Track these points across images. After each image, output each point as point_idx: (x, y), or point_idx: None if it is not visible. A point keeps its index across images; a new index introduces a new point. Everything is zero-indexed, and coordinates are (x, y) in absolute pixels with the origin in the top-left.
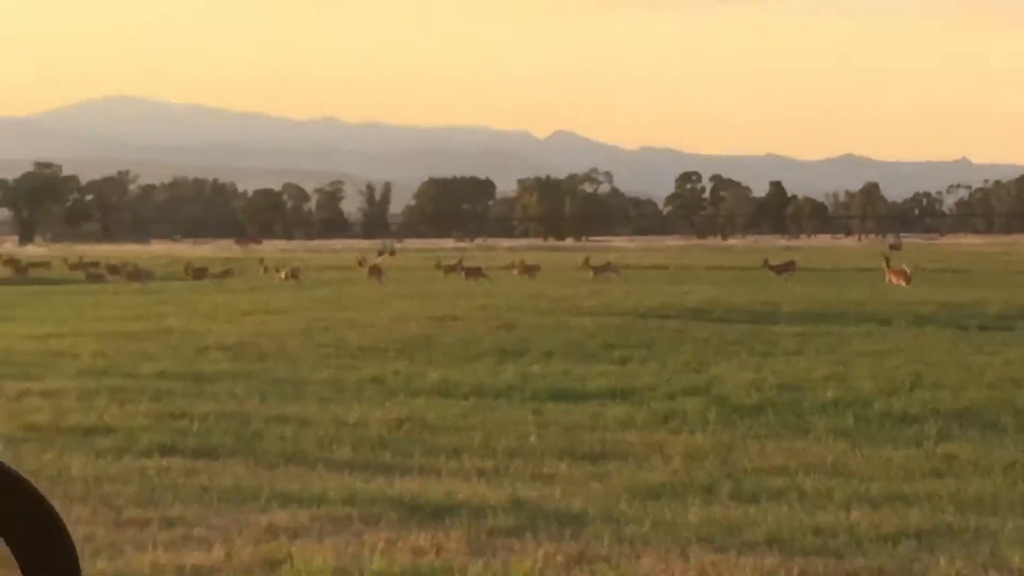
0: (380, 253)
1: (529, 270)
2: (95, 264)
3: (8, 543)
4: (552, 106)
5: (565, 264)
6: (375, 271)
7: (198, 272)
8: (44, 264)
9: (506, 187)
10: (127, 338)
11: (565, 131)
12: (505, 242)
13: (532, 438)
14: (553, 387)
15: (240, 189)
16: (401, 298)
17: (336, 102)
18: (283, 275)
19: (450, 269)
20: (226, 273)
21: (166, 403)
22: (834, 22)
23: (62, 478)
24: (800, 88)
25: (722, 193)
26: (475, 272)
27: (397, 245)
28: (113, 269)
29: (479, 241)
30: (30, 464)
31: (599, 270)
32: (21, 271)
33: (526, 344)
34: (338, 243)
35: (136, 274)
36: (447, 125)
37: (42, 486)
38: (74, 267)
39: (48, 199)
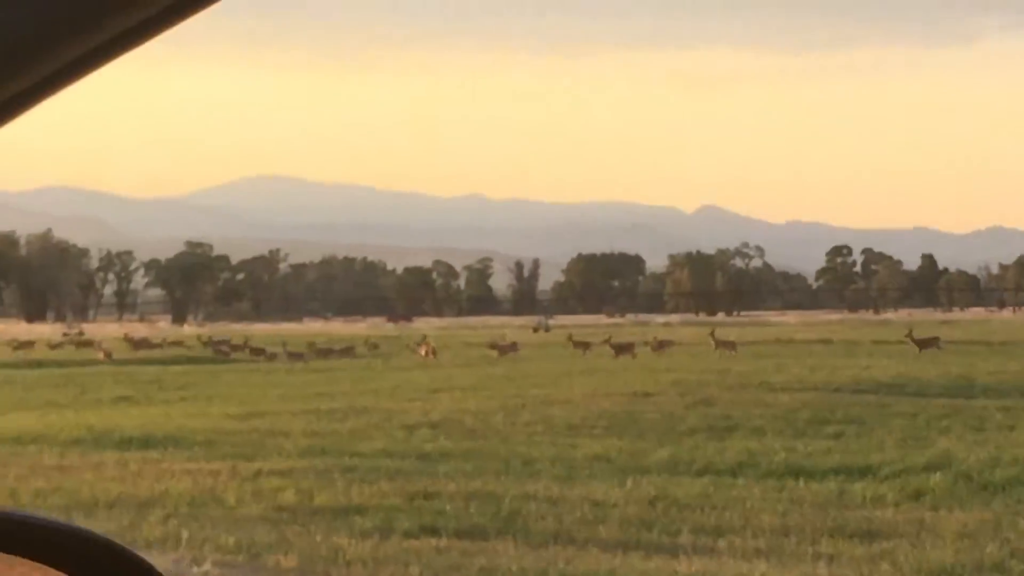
0: (535, 330)
1: (726, 345)
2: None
3: None
4: (699, 181)
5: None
6: (582, 345)
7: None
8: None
9: (653, 262)
10: (327, 416)
11: (712, 206)
12: (659, 318)
13: (794, 516)
14: (784, 464)
15: (388, 267)
16: (581, 374)
17: (482, 180)
18: (424, 352)
19: (586, 346)
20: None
21: (404, 482)
22: (980, 94)
23: (340, 560)
24: (946, 160)
25: (873, 266)
26: (625, 349)
27: (551, 322)
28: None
29: (631, 316)
30: (303, 546)
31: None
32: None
33: (732, 420)
34: (490, 319)
35: (298, 354)
36: (593, 201)
37: (319, 568)
38: (253, 350)
39: (200, 278)
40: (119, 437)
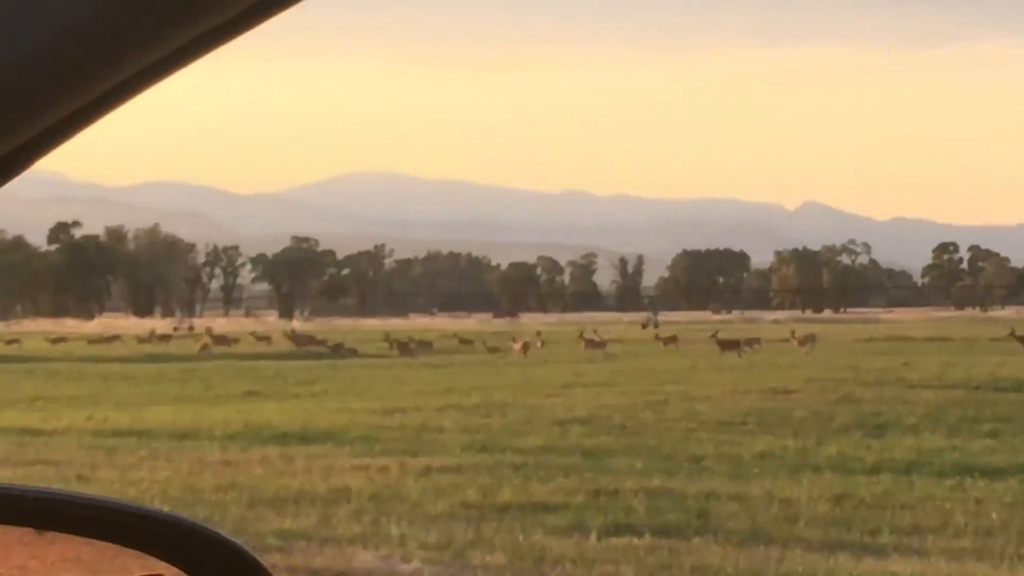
0: (644, 326)
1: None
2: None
3: None
4: (802, 177)
5: (848, 337)
6: (732, 345)
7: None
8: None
9: (757, 259)
10: (471, 412)
11: (815, 202)
12: (767, 315)
13: (987, 516)
14: (955, 463)
15: (492, 262)
16: (708, 371)
17: (584, 175)
18: (519, 347)
19: (669, 340)
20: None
21: (580, 480)
22: None
23: (547, 559)
24: None
25: (980, 263)
26: (732, 345)
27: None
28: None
29: (736, 313)
30: (503, 543)
31: None
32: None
33: (882, 418)
34: (595, 316)
35: (406, 347)
36: (694, 197)
37: (528, 567)
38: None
39: (306, 274)
40: (275, 432)
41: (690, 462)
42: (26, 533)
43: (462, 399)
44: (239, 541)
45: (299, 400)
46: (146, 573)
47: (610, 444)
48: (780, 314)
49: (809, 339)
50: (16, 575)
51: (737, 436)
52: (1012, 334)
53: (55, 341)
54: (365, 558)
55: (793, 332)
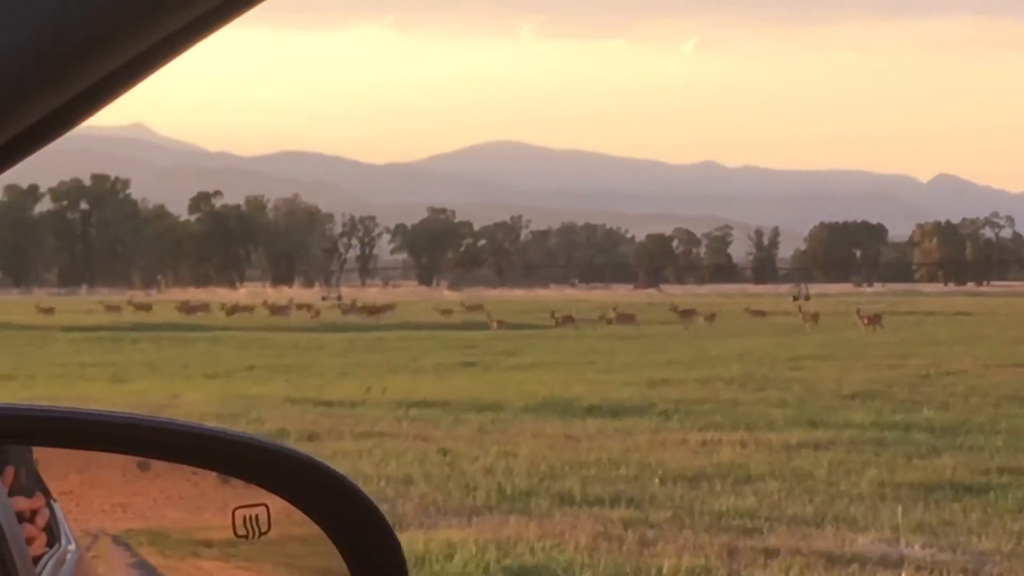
0: (795, 298)
1: None
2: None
3: (340, 548)
4: (935, 149)
5: None
6: (875, 320)
7: (684, 314)
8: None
9: (892, 231)
10: (740, 386)
11: (947, 175)
12: (920, 287)
13: None
14: None
15: (628, 234)
16: (926, 344)
17: (714, 146)
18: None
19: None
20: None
21: (967, 457)
22: None
23: None
24: None
25: None
26: (875, 320)
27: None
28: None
29: (878, 286)
30: (980, 528)
31: None
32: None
33: None
34: (731, 287)
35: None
36: (826, 169)
37: None
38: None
39: (443, 244)
40: (581, 405)
41: None
42: (129, 468)
43: (709, 370)
44: (348, 476)
45: (522, 371)
46: (250, 502)
47: (953, 420)
48: (928, 287)
49: None
50: (118, 512)
51: None
52: None
53: (230, 312)
54: (863, 542)
55: None
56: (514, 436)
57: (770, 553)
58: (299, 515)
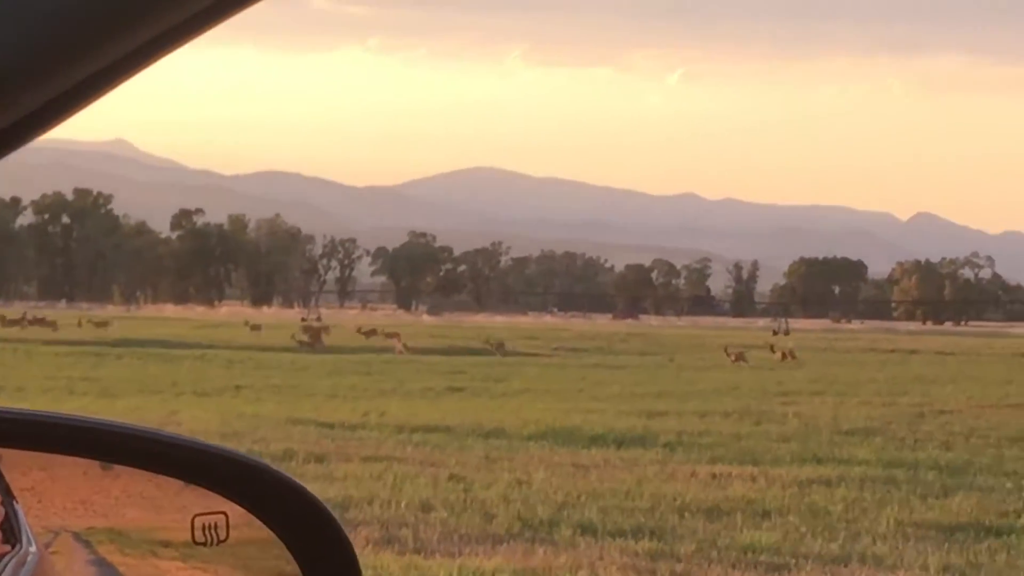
0: (775, 332)
1: None
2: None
3: (292, 550)
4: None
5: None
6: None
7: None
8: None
9: (871, 268)
10: (737, 419)
11: (927, 213)
12: (899, 325)
13: None
14: None
15: (607, 264)
16: (913, 382)
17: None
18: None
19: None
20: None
21: (979, 495)
22: None
23: None
24: None
25: None
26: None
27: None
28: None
29: (856, 323)
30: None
31: None
32: None
33: None
34: (708, 320)
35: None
36: (807, 204)
37: None
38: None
39: (423, 269)
40: (585, 434)
41: None
42: (91, 467)
43: (702, 404)
44: (303, 484)
45: (508, 398)
46: (208, 511)
47: (967, 459)
48: (902, 325)
49: None
50: (80, 509)
51: None
52: None
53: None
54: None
55: None
56: (523, 464)
57: None
58: (256, 521)
